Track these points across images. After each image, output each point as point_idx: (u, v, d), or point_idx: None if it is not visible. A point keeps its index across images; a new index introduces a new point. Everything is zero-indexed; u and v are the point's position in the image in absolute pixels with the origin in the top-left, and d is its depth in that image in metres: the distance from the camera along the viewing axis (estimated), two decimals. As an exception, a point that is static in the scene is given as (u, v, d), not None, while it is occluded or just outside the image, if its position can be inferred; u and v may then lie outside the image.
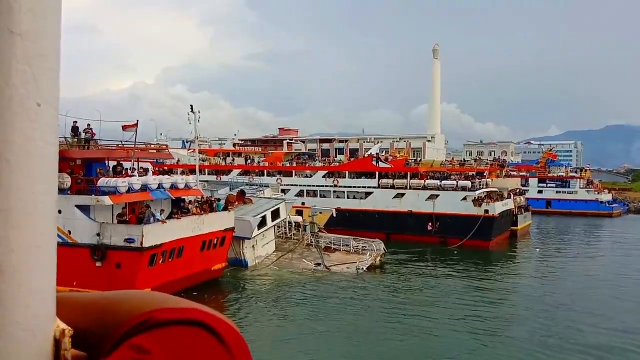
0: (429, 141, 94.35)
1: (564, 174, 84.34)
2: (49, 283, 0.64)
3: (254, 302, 26.76)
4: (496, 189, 49.71)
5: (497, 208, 44.46)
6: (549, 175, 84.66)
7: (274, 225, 36.05)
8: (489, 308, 25.52)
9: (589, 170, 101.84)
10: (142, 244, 24.74)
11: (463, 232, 43.01)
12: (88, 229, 25.61)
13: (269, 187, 42.10)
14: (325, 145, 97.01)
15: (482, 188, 46.85)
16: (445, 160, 62.63)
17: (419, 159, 63.74)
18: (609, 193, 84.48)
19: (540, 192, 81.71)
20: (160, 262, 26.03)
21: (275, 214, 35.62)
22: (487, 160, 75.71)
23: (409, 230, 45.41)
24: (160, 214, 27.24)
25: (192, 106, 39.37)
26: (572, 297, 27.86)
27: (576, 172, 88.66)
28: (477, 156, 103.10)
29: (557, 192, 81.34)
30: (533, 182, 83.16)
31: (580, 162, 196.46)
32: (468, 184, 46.20)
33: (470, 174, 51.43)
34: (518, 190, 59.29)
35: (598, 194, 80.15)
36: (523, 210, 55.27)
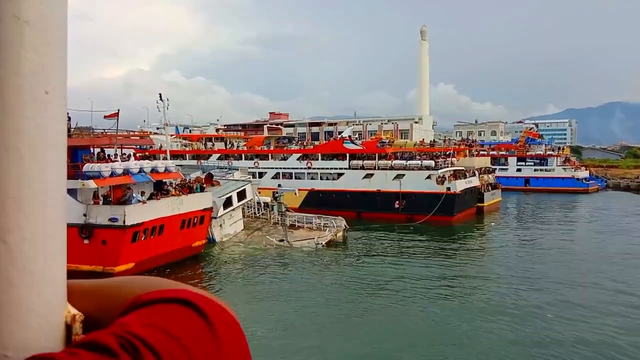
0: (416, 122, 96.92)
1: (542, 152, 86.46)
2: (60, 270, 0.66)
3: (223, 272, 29.92)
4: (462, 168, 52.90)
5: (459, 185, 47.58)
6: (528, 153, 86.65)
7: (241, 205, 38.46)
8: (439, 273, 28.81)
9: (566, 148, 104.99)
10: (124, 222, 27.29)
11: (427, 209, 46.03)
12: (75, 210, 28.30)
13: (238, 170, 44.89)
14: (315, 129, 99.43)
15: (447, 167, 50.01)
16: (418, 142, 65.60)
17: (392, 140, 66.66)
18: (586, 170, 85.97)
19: (519, 170, 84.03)
20: (142, 238, 28.67)
21: (242, 195, 38.05)
22: (455, 140, 78.55)
23: (378, 208, 48.43)
24: (141, 195, 30.03)
25: (160, 94, 41.66)
26: (514, 264, 31.36)
27: (553, 150, 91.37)
28: (467, 136, 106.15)
29: (534, 170, 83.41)
30: (512, 160, 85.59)
31: (574, 140, 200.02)
32: (432, 163, 49.40)
33: (436, 153, 54.57)
34: (486, 169, 62.46)
35: (574, 170, 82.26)
36: (490, 188, 58.56)
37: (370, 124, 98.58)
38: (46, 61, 0.62)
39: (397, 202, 48.34)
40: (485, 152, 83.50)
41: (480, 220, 49.86)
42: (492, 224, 47.13)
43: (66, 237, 0.68)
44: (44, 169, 0.62)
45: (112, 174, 29.04)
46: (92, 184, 28.11)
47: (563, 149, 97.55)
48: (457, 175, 49.90)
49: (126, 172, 29.91)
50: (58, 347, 0.66)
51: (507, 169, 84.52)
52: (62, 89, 0.65)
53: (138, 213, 28.21)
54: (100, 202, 29.17)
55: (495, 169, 73.31)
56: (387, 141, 58.78)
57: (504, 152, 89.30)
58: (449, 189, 46.78)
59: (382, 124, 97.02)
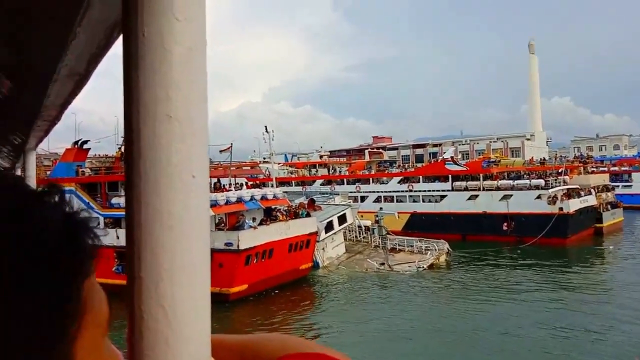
0: (527, 139, 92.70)
1: (672, 165, 78.91)
2: (205, 328, 0.72)
3: (327, 295, 31.03)
4: (576, 186, 49.87)
5: (572, 205, 44.87)
6: (655, 168, 79.50)
7: (342, 229, 39.45)
8: (550, 298, 27.58)
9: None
10: (238, 246, 29.49)
11: (538, 231, 43.80)
12: (196, 236, 31.14)
13: (339, 194, 46.35)
14: (419, 151, 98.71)
15: (558, 186, 47.42)
16: (527, 160, 62.84)
17: (500, 159, 64.37)
18: None
19: (645, 187, 77.04)
20: (254, 261, 30.55)
21: (342, 219, 39.17)
22: (569, 157, 73.72)
23: (484, 230, 46.95)
24: (253, 221, 32.38)
25: (265, 127, 44.97)
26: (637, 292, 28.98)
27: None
28: (586, 151, 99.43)
29: (664, 187, 76.30)
30: (637, 176, 78.80)
31: None
32: (541, 182, 47.14)
33: (547, 172, 51.94)
34: (604, 186, 58.12)
35: None
36: (610, 207, 54.37)
37: (477, 143, 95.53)
38: (192, 150, 0.70)
39: (505, 223, 46.65)
40: (606, 169, 77.28)
41: (599, 242, 46.30)
42: (611, 247, 43.56)
43: (210, 298, 0.73)
44: (191, 242, 0.70)
45: (227, 202, 31.64)
46: (209, 212, 30.85)
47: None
48: (571, 194, 47.15)
49: (239, 200, 32.40)
50: None
51: (631, 185, 77.50)
52: (205, 171, 0.73)
53: (250, 238, 30.20)
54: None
55: (617, 185, 67.63)
56: (494, 160, 57.03)
57: (626, 168, 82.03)
58: (561, 209, 44.30)
59: (490, 142, 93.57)
